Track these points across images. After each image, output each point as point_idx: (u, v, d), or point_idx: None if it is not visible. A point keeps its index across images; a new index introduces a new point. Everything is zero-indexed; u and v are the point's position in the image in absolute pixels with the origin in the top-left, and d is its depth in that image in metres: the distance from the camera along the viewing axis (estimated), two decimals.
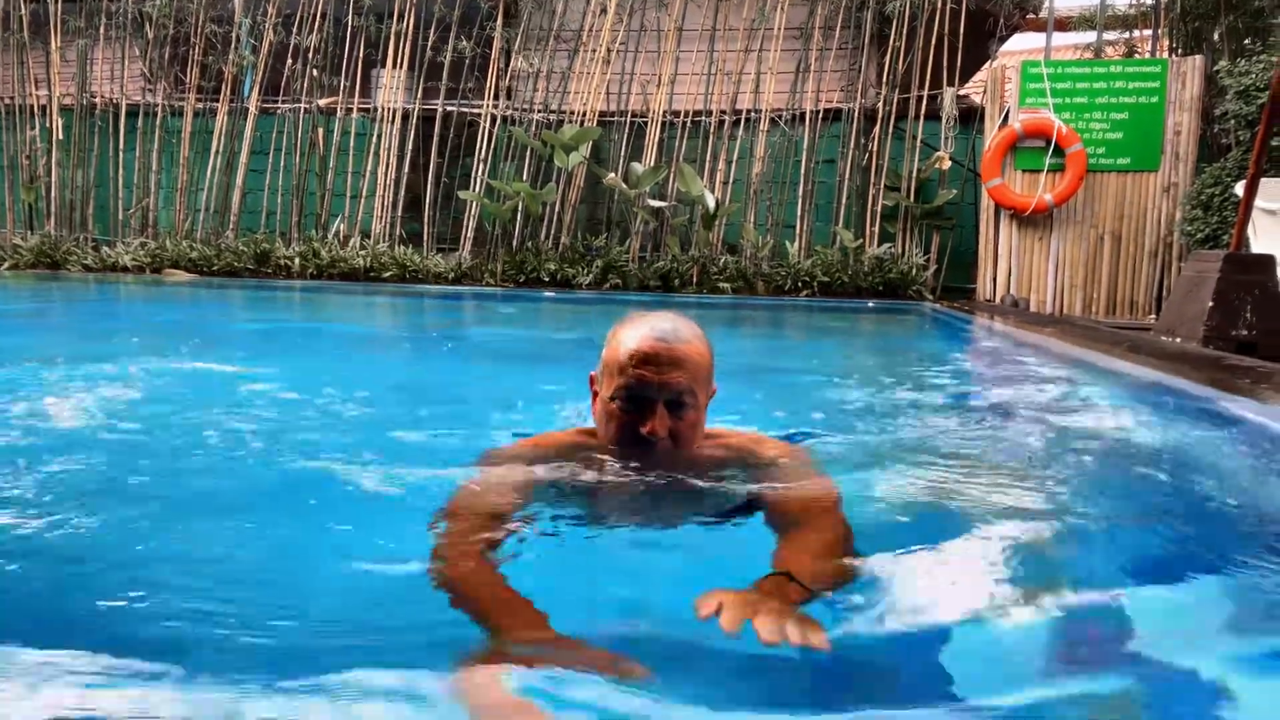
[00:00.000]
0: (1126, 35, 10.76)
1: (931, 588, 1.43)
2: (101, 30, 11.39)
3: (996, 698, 1.13)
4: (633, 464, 1.66)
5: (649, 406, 1.56)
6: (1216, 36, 8.77)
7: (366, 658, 1.14)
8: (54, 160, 11.36)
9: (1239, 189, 5.71)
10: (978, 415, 3.47)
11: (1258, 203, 5.36)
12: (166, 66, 11.34)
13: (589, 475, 1.66)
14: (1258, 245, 5.77)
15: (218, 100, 11.14)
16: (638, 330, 1.59)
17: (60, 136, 11.37)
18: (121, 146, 11.29)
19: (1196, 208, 7.53)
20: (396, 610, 1.36)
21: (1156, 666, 1.24)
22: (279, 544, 1.73)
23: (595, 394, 1.72)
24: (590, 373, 1.73)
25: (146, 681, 1.06)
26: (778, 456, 1.80)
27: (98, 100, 11.41)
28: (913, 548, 1.60)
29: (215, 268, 10.20)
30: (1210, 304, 4.99)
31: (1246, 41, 8.06)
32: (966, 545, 1.66)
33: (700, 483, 1.69)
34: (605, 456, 1.68)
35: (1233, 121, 7.46)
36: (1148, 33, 9.93)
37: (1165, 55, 9.22)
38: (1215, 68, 7.84)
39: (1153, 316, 7.95)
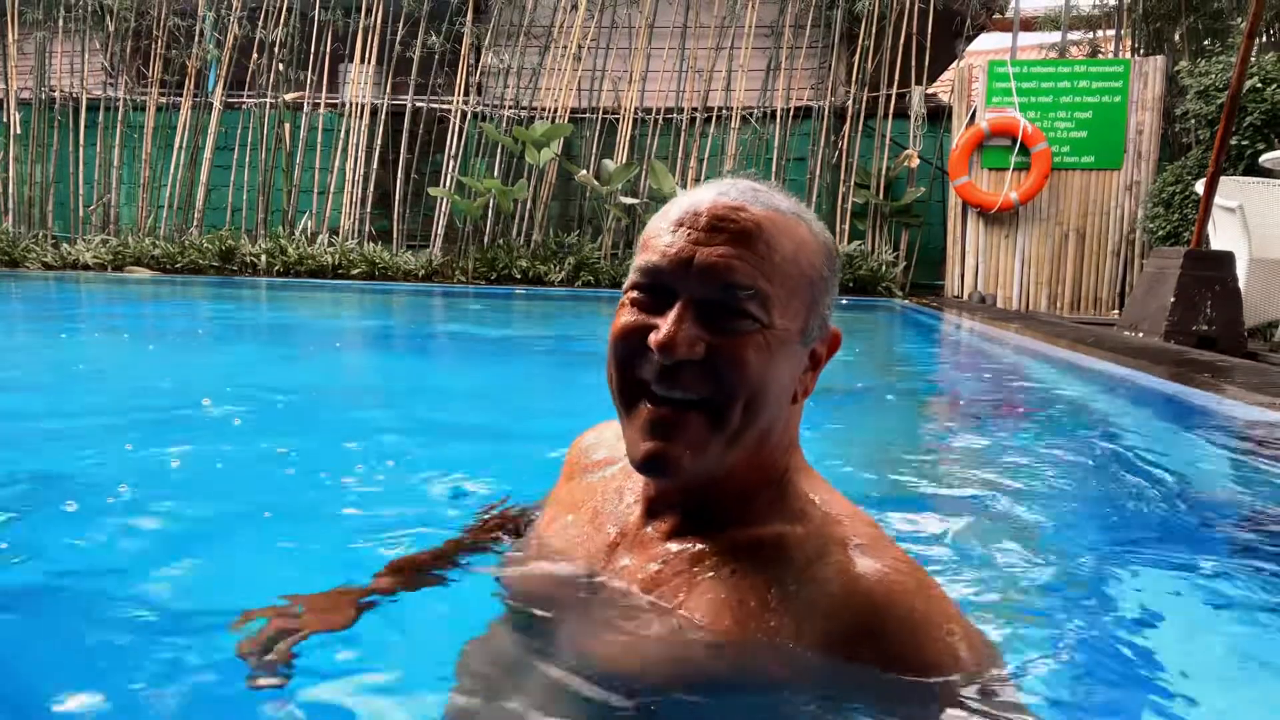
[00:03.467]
0: (1090, 35, 10.95)
1: None
2: (60, 23, 11.14)
3: None
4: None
5: (669, 298, 0.87)
6: (1177, 37, 8.95)
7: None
8: (12, 156, 11.09)
9: (1199, 187, 5.81)
10: (944, 408, 3.51)
11: (1217, 200, 5.46)
12: (128, 60, 11.13)
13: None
14: (1217, 242, 5.89)
15: (181, 95, 10.94)
16: (701, 189, 0.93)
17: (18, 131, 11.11)
18: (82, 142, 11.05)
19: (1158, 205, 7.67)
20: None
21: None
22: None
23: None
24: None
25: None
26: (881, 592, 0.81)
27: (57, 94, 11.16)
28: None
29: (179, 265, 10.02)
30: (1172, 299, 5.08)
31: (1206, 42, 8.23)
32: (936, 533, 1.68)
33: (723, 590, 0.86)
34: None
35: (1193, 121, 7.60)
36: (1111, 33, 10.10)
37: (1128, 55, 9.38)
38: (1176, 68, 7.99)
39: (1116, 312, 8.08)
